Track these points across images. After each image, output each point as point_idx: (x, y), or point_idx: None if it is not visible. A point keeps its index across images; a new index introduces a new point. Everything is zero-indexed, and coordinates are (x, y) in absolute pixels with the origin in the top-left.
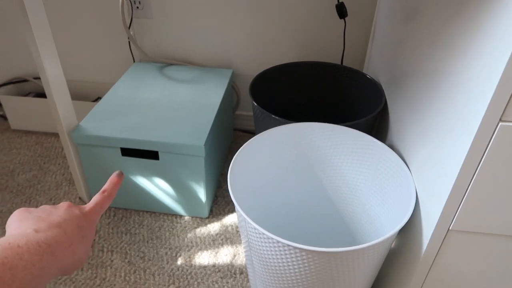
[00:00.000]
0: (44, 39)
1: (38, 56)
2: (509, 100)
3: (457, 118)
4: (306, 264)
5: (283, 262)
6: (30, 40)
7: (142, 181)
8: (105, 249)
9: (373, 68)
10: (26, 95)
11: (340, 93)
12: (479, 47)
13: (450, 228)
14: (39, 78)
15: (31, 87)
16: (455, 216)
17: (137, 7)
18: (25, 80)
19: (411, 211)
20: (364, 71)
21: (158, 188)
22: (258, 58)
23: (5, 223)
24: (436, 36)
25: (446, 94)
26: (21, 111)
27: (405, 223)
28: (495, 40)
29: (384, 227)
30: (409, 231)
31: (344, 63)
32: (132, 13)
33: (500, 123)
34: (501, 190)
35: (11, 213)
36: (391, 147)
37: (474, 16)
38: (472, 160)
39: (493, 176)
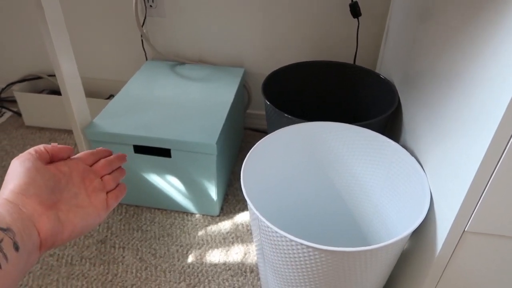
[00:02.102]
0: (60, 36)
1: (53, 53)
2: None
3: (474, 119)
4: (318, 263)
5: (295, 261)
6: (46, 37)
7: (154, 179)
8: (116, 246)
9: (386, 68)
10: (40, 92)
11: (353, 92)
12: (498, 46)
13: (465, 230)
14: (53, 75)
15: (45, 84)
16: (471, 218)
17: (151, 6)
18: (39, 77)
19: (426, 212)
20: (377, 71)
21: (170, 186)
22: (269, 57)
23: None
24: (453, 36)
25: (463, 94)
26: (35, 108)
27: (419, 224)
28: None
29: (397, 228)
30: (422, 232)
31: (357, 63)
32: (145, 12)
33: None
34: None
35: None
36: (405, 147)
37: (492, 15)
38: (489, 161)
39: (511, 177)
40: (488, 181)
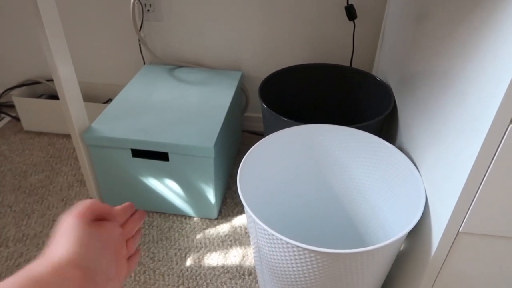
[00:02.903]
0: (57, 40)
1: (51, 57)
2: None
3: (467, 120)
4: (315, 265)
5: (292, 263)
6: (43, 41)
7: (152, 182)
8: None
9: (382, 70)
10: (39, 97)
11: (349, 95)
12: (490, 49)
13: (460, 231)
14: (52, 80)
15: (44, 89)
16: (465, 218)
17: (148, 10)
18: (38, 82)
19: (421, 213)
20: (373, 73)
21: (168, 189)
22: (267, 60)
23: (18, 223)
24: (447, 38)
25: (457, 96)
26: (34, 113)
27: (414, 225)
28: (507, 42)
29: (393, 229)
30: (418, 233)
31: (353, 65)
32: (142, 16)
33: (510, 125)
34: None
35: (24, 213)
36: (400, 149)
37: (486, 17)
38: (482, 162)
39: (503, 177)
40: (481, 182)
